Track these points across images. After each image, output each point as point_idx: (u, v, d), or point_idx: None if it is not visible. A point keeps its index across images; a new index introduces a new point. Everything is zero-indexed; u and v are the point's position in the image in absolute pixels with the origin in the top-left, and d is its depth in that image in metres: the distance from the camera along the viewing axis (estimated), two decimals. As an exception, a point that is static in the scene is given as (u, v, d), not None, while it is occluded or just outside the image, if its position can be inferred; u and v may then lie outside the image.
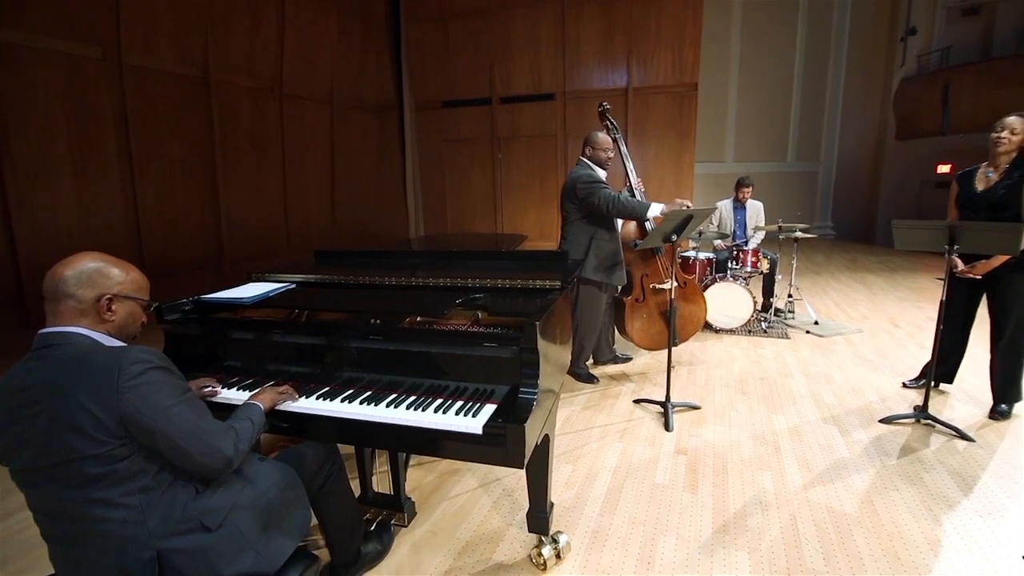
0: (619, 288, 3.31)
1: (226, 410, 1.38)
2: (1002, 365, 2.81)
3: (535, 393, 1.43)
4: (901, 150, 10.35)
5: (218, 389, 1.60)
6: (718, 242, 4.83)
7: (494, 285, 1.91)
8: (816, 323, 4.62)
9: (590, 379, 3.33)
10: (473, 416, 1.40)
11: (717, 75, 10.67)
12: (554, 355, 1.70)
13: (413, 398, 1.51)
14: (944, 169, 9.44)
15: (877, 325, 4.65)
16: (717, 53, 10.55)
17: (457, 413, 1.42)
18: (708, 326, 4.46)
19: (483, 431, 1.36)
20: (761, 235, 4.82)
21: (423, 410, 1.45)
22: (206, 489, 1.17)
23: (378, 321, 1.69)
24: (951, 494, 2.18)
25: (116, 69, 5.43)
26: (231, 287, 2.04)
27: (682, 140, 9.40)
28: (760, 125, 11.17)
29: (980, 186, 2.79)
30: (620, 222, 3.17)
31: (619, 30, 9.19)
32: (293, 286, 2.07)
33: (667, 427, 2.73)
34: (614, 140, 3.14)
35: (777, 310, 4.83)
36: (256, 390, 1.53)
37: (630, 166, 3.21)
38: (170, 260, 5.94)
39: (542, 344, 1.49)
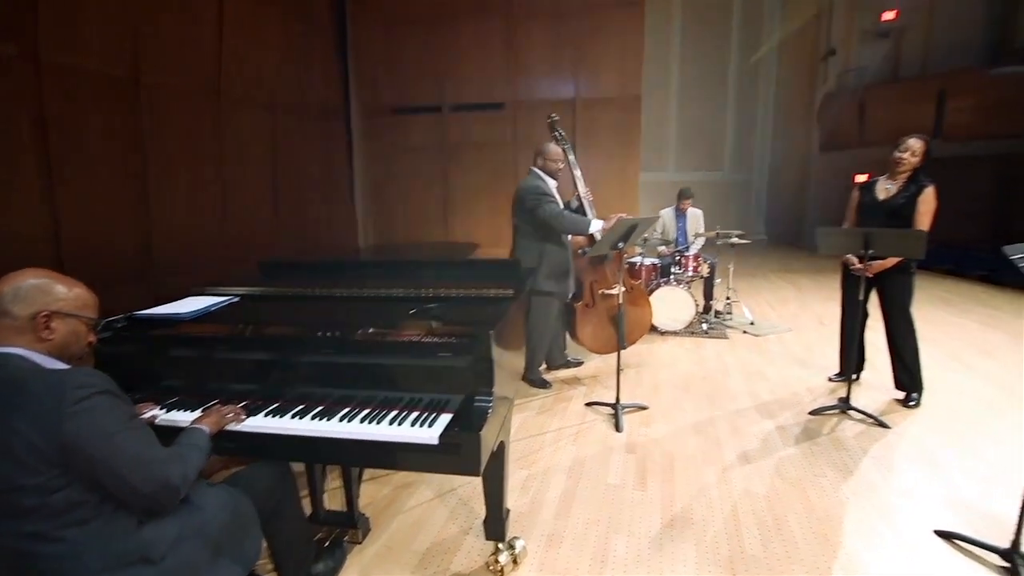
0: (569, 295, 3.41)
1: (169, 434, 1.31)
2: (896, 354, 3.12)
3: (490, 401, 1.45)
4: (825, 160, 11.19)
5: (158, 413, 1.52)
6: (662, 248, 5.06)
7: (448, 295, 1.92)
8: (752, 323, 4.92)
9: (544, 385, 3.40)
10: (429, 426, 1.41)
11: (659, 89, 11.16)
12: (508, 363, 1.74)
13: (367, 411, 1.50)
14: (862, 178, 10.21)
15: (805, 323, 5.01)
16: (658, 68, 11.04)
17: (413, 424, 1.43)
18: (654, 329, 4.65)
19: (439, 441, 1.37)
20: (702, 241, 5.09)
21: (378, 423, 1.44)
22: (149, 519, 1.12)
23: (329, 334, 1.67)
24: (873, 479, 2.38)
25: (33, 67, 5.02)
26: (168, 302, 1.94)
27: (627, 150, 9.73)
28: (699, 136, 11.78)
29: (881, 196, 3.09)
30: (569, 231, 3.27)
31: (565, 44, 9.43)
32: (237, 299, 2.00)
33: (618, 428, 2.83)
34: (564, 151, 3.24)
35: (717, 312, 5.10)
36: (201, 411, 1.47)
37: (578, 176, 3.32)
38: (94, 272, 5.51)
39: (496, 352, 1.52)
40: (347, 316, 1.85)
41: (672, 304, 4.55)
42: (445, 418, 1.44)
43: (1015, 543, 1.79)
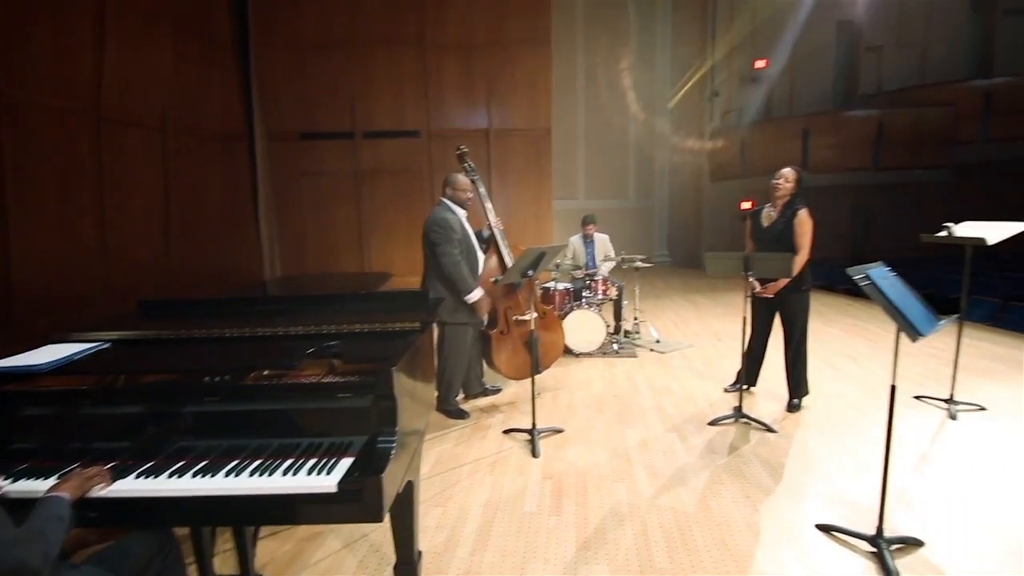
0: (484, 322, 3.43)
1: (21, 508, 1.13)
2: (791, 366, 3.46)
3: (393, 441, 1.41)
4: (716, 189, 12.36)
5: (3, 484, 1.30)
6: (576, 272, 5.28)
7: (351, 330, 1.86)
8: (658, 341, 5.23)
9: (461, 415, 3.36)
10: (327, 473, 1.34)
11: (567, 121, 11.79)
12: (415, 398, 1.70)
13: (259, 463, 1.39)
14: (746, 205, 11.47)
15: (704, 339, 5.42)
16: (567, 102, 11.68)
17: (310, 472, 1.35)
18: (569, 351, 4.79)
19: (338, 488, 1.30)
20: (611, 264, 5.37)
21: (270, 474, 1.34)
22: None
23: (215, 379, 1.54)
24: (764, 482, 2.59)
25: None
26: (23, 351, 1.70)
27: (540, 179, 10.13)
28: (605, 166, 12.54)
29: (765, 222, 3.46)
30: (481, 259, 3.32)
31: (478, 75, 9.72)
32: (107, 345, 1.79)
33: (534, 454, 2.86)
34: (472, 182, 3.30)
35: (626, 332, 5.37)
36: (57, 477, 1.29)
37: (489, 207, 3.39)
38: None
39: (400, 389, 1.49)
40: (237, 359, 1.72)
41: (585, 327, 4.73)
42: (345, 462, 1.38)
43: (879, 530, 2.02)
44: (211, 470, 1.36)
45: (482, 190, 3.36)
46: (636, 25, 12.55)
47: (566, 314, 4.74)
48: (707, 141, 12.47)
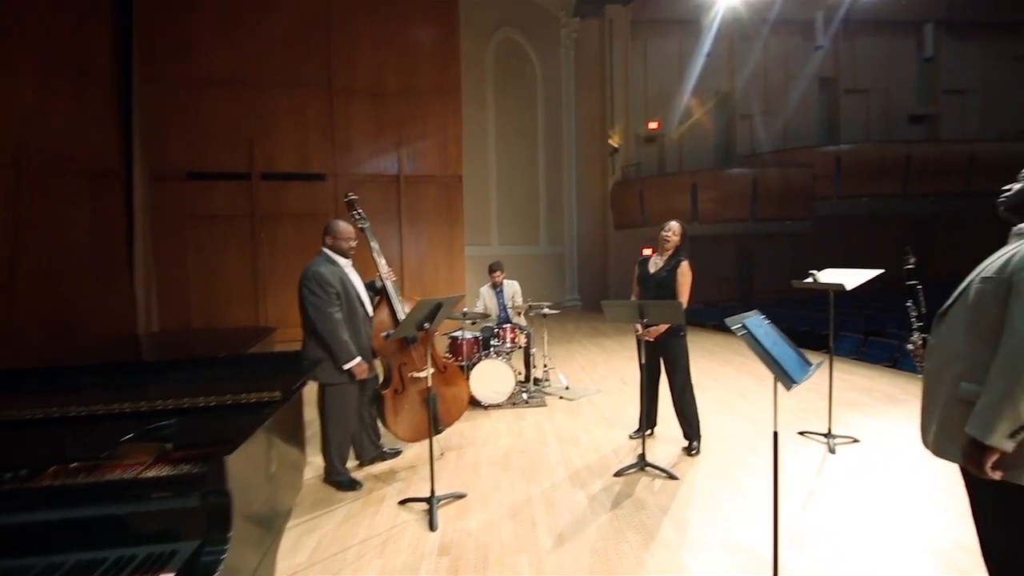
0: (377, 382, 3.18)
1: None
2: (679, 408, 3.55)
3: (223, 551, 1.15)
4: (620, 236, 13.10)
5: None
6: (490, 321, 5.19)
7: (193, 405, 1.57)
8: (567, 388, 5.21)
9: (352, 485, 3.02)
10: (127, 603, 1.04)
11: (479, 169, 12.03)
12: (265, 490, 1.44)
13: (31, 596, 1.06)
14: (647, 252, 12.25)
15: (612, 384, 5.48)
16: (478, 151, 11.95)
17: (103, 604, 1.04)
18: (477, 403, 4.60)
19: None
20: (521, 311, 5.33)
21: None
22: None
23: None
24: (667, 535, 2.53)
25: None
26: None
27: (451, 226, 10.13)
28: (516, 214, 12.87)
29: (652, 269, 3.62)
30: (371, 310, 3.10)
31: (388, 122, 9.68)
32: None
33: (431, 526, 2.60)
34: (361, 230, 3.11)
35: (536, 380, 5.30)
36: None
37: (379, 260, 3.20)
38: None
39: (241, 479, 1.24)
40: (33, 450, 1.37)
41: (493, 377, 4.59)
42: (157, 585, 1.09)
43: (773, 580, 2.01)
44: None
45: (374, 243, 3.18)
46: (542, 78, 13.33)
47: (475, 364, 4.58)
48: (610, 192, 13.30)
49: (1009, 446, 1.30)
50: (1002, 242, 1.50)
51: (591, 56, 13.78)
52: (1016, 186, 1.53)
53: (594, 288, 13.41)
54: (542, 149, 13.43)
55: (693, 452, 3.50)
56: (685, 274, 3.47)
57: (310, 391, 3.02)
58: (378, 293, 3.20)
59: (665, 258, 3.56)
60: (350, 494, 2.98)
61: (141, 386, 1.83)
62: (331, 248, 2.96)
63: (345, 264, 2.97)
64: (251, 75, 8.86)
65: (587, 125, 13.92)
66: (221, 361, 2.03)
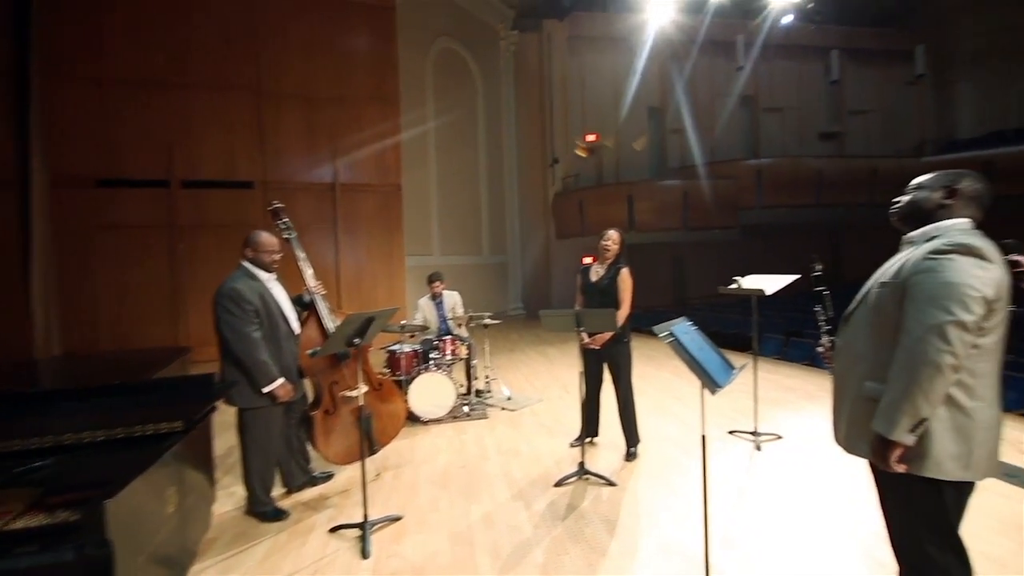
0: (307, 401, 3.00)
1: None
2: (622, 415, 3.61)
3: (99, 610, 1.00)
4: (562, 245, 13.32)
5: None
6: (430, 333, 5.06)
7: (77, 441, 1.39)
8: (509, 399, 5.17)
9: (277, 516, 2.81)
10: None
11: (419, 178, 11.85)
12: (164, 531, 1.29)
13: None
14: (588, 260, 12.53)
15: (554, 392, 5.51)
16: (418, 159, 11.78)
17: None
18: (416, 419, 4.47)
19: None
20: (462, 322, 5.25)
21: None
22: None
23: None
24: (603, 542, 2.54)
25: None
26: None
27: (391, 236, 9.89)
28: (458, 223, 12.79)
29: (593, 277, 3.67)
30: (297, 326, 2.92)
31: (321, 129, 9.34)
32: None
33: (364, 553, 2.46)
34: (287, 241, 2.94)
35: (478, 391, 5.23)
36: None
37: (307, 272, 3.02)
38: None
39: (130, 524, 1.09)
40: None
41: (432, 391, 4.48)
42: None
43: (704, 581, 2.05)
44: None
45: (300, 253, 3.01)
46: (483, 89, 13.40)
47: (413, 379, 4.45)
48: (551, 202, 13.52)
49: (910, 440, 1.39)
50: (897, 249, 1.62)
51: (530, 69, 14.02)
52: (905, 198, 1.66)
53: (538, 297, 13.54)
54: (483, 159, 13.47)
55: (631, 457, 3.56)
56: (626, 281, 3.54)
57: (230, 415, 2.80)
58: (306, 308, 3.03)
59: (606, 266, 3.62)
60: (275, 525, 2.77)
61: (18, 420, 1.60)
62: (251, 261, 2.76)
63: (268, 278, 2.78)
64: (170, 77, 8.29)
65: (528, 136, 14.12)
66: (118, 389, 1.81)
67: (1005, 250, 1.56)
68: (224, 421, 3.08)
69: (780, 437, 3.87)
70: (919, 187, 1.63)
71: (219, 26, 8.55)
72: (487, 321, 5.16)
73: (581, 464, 3.27)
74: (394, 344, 4.77)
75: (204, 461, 1.59)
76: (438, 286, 5.17)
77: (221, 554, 2.52)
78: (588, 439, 3.77)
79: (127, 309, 7.98)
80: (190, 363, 3.81)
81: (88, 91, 7.97)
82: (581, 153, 13.39)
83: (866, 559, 2.33)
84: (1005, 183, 11.43)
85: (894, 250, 1.61)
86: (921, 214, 1.60)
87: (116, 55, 8.07)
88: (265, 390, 2.63)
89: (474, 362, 5.17)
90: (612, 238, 3.62)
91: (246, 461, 2.78)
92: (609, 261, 3.62)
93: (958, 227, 1.51)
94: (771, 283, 3.85)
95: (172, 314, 8.17)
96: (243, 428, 2.72)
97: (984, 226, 1.54)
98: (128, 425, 1.42)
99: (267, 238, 2.79)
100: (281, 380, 2.69)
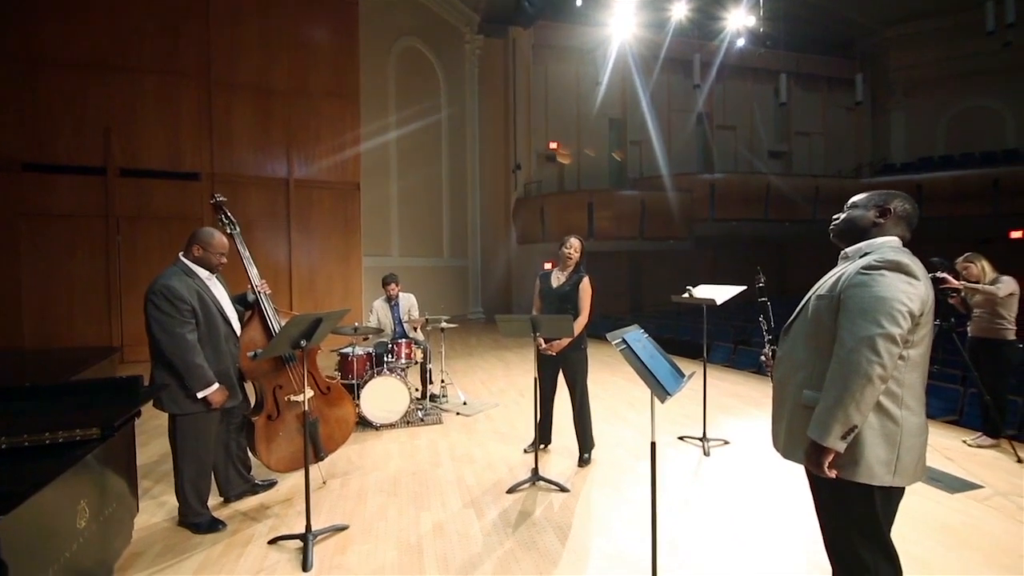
0: (242, 407, 2.84)
1: None
2: (577, 421, 3.62)
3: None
4: (522, 250, 13.37)
5: None
6: (384, 336, 4.92)
7: (-27, 451, 1.24)
8: (464, 403, 5.11)
9: (212, 527, 2.64)
10: None
11: (379, 178, 11.61)
12: (75, 545, 1.17)
13: None
14: (548, 266, 12.63)
15: (510, 397, 5.49)
16: (378, 159, 11.55)
17: None
18: (368, 424, 4.34)
19: None
20: (418, 325, 5.15)
21: None
22: None
23: None
24: (554, 550, 2.52)
25: None
26: None
27: (348, 235, 9.63)
28: (419, 225, 12.61)
29: (554, 284, 3.67)
30: (238, 326, 2.77)
31: (275, 123, 8.99)
32: None
33: (305, 566, 2.34)
34: (230, 236, 2.78)
35: (433, 396, 5.14)
36: None
37: (251, 270, 2.87)
38: None
39: (31, 542, 0.98)
40: None
41: (385, 395, 4.36)
42: None
43: (651, 587, 2.06)
44: None
45: (244, 251, 2.86)
46: (447, 91, 13.30)
47: (366, 382, 4.32)
48: (512, 207, 13.55)
49: (841, 446, 1.44)
50: (836, 263, 1.68)
51: (495, 74, 14.05)
52: (842, 215, 1.74)
53: (498, 301, 13.52)
54: (446, 162, 13.35)
55: (585, 463, 3.58)
56: (586, 289, 3.56)
57: (163, 420, 2.61)
58: (249, 307, 2.88)
59: (567, 273, 3.63)
60: (209, 537, 2.61)
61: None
62: (196, 260, 2.58)
63: (206, 276, 2.62)
64: (110, 58, 7.77)
65: (491, 141, 14.12)
66: (30, 391, 1.65)
67: (931, 268, 1.66)
68: (158, 426, 2.88)
69: (728, 443, 3.99)
70: (854, 206, 1.72)
71: (166, 11, 8.10)
72: (444, 325, 5.09)
73: (534, 470, 3.26)
74: (346, 347, 4.63)
75: (124, 470, 1.47)
76: (393, 288, 5.06)
77: (148, 568, 2.34)
78: (542, 445, 3.76)
79: (55, 304, 7.39)
80: (121, 363, 3.55)
81: (13, 71, 7.36)
82: (564, 159, 13.50)
83: (806, 563, 2.42)
84: (931, 205, 12.38)
85: (833, 264, 1.68)
86: (856, 231, 1.68)
87: (50, 32, 7.51)
88: (200, 395, 2.46)
89: (429, 366, 5.08)
90: (573, 246, 3.64)
91: (178, 469, 2.60)
92: (570, 268, 3.64)
93: (889, 245, 1.59)
94: (720, 293, 3.98)
95: (105, 311, 7.63)
96: (175, 434, 2.54)
97: (911, 244, 1.63)
98: (36, 432, 1.28)
99: (220, 239, 2.62)
100: (216, 385, 2.52)
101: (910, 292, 1.44)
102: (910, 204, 1.64)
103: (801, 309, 1.70)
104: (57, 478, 1.09)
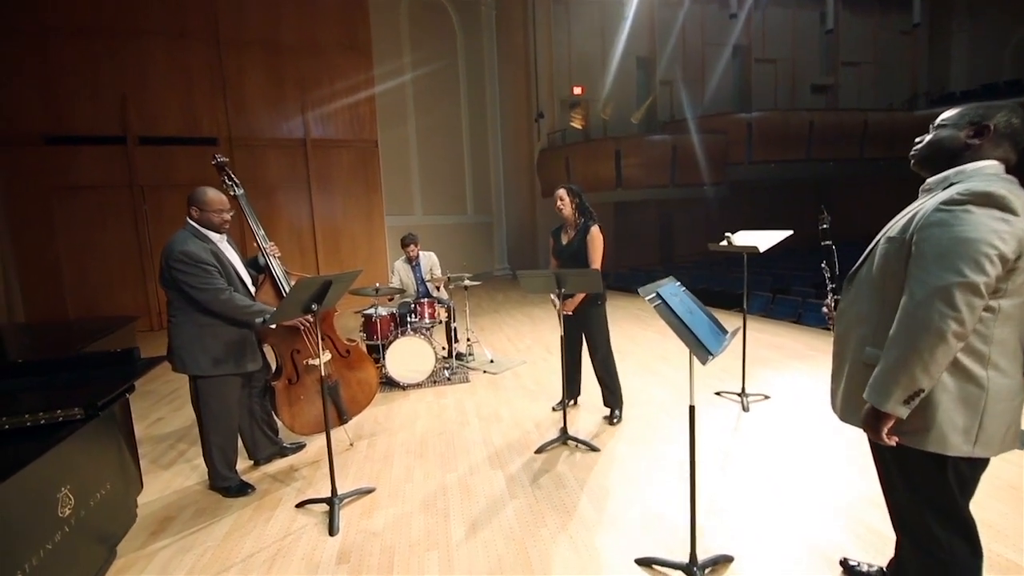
0: (270, 370, 2.79)
1: None
2: (601, 379, 3.47)
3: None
4: (548, 204, 12.97)
5: None
6: (408, 297, 4.85)
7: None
8: (492, 361, 5.03)
9: (241, 490, 2.66)
10: None
11: (398, 135, 11.31)
12: (50, 541, 1.09)
13: None
14: (574, 219, 12.24)
15: (537, 354, 5.37)
16: (395, 115, 11.20)
17: None
18: (395, 384, 4.32)
19: None
20: (441, 285, 5.03)
21: None
22: None
23: None
24: (585, 513, 2.43)
25: None
26: None
27: (369, 194, 9.48)
28: (441, 182, 12.34)
29: (564, 240, 3.45)
30: (253, 291, 2.67)
31: (289, 81, 8.73)
32: None
33: (331, 530, 2.32)
34: (234, 198, 2.65)
35: (459, 355, 5.08)
36: None
37: (259, 232, 2.75)
38: None
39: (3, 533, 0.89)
40: None
41: (410, 355, 4.30)
42: None
43: (692, 556, 1.94)
44: None
45: (247, 208, 2.73)
46: (463, 41, 12.66)
47: (391, 343, 4.26)
48: (536, 159, 13.06)
49: (903, 412, 1.23)
50: (892, 205, 1.40)
51: (514, 20, 13.21)
52: (926, 138, 1.44)
53: (524, 257, 13.29)
54: (466, 114, 12.87)
55: (615, 421, 3.45)
56: (596, 239, 3.31)
57: (182, 384, 2.58)
58: (261, 271, 2.78)
59: (574, 228, 3.39)
60: (239, 500, 2.62)
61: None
62: (198, 221, 2.48)
63: (219, 239, 2.52)
64: (115, 23, 7.59)
65: (511, 90, 13.47)
66: (19, 368, 1.58)
67: None
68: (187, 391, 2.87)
69: (767, 397, 3.78)
70: (943, 124, 1.40)
71: (167, -34, 7.78)
72: (467, 283, 4.95)
73: (563, 429, 3.16)
74: (369, 308, 4.55)
75: (118, 447, 1.39)
76: (413, 249, 4.91)
77: (179, 533, 2.38)
78: (571, 401, 3.65)
79: (94, 275, 7.61)
80: (131, 333, 3.59)
81: (26, 43, 7.27)
82: (577, 125, 12.85)
83: (852, 522, 2.25)
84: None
85: (879, 206, 1.40)
86: (943, 156, 1.38)
87: (57, 3, 7.34)
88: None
89: (454, 324, 4.99)
90: (560, 196, 3.38)
91: (204, 435, 2.60)
92: (572, 220, 3.39)
93: (984, 171, 1.28)
94: (764, 239, 3.66)
95: (140, 278, 7.82)
96: (198, 398, 2.51)
97: (1016, 170, 1.32)
98: (16, 414, 1.20)
99: (214, 195, 2.50)
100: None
101: (1003, 231, 1.16)
102: (1018, 118, 1.31)
103: (868, 254, 1.45)
104: (24, 467, 1.00)
